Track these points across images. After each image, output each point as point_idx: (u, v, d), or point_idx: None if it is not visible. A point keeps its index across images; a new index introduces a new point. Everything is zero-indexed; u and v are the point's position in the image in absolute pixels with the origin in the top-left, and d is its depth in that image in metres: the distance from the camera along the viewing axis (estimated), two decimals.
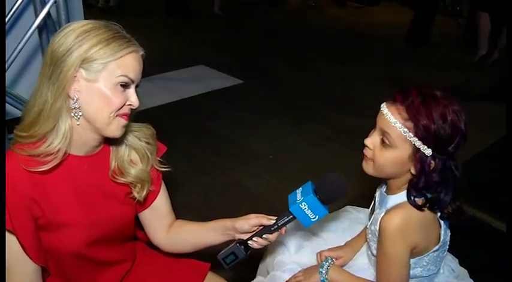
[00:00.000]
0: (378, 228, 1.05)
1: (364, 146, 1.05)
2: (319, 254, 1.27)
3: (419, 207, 1.00)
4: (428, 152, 0.96)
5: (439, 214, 1.04)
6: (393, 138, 0.98)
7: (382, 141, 1.01)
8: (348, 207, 1.47)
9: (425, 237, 1.04)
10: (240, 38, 5.62)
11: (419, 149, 0.96)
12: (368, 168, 1.06)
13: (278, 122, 3.39)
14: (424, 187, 0.99)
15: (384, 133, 1.00)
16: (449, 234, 1.09)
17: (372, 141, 1.03)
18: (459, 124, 0.95)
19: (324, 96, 3.92)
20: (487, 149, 2.86)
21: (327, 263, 1.19)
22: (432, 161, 0.98)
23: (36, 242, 0.92)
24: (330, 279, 1.17)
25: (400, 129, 0.96)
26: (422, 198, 1.01)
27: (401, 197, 1.04)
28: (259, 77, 4.30)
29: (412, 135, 0.96)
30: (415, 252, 1.04)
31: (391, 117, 0.98)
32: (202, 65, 4.52)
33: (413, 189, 1.01)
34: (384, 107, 1.00)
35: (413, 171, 1.00)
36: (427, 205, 1.01)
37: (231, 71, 4.34)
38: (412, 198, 1.01)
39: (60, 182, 0.95)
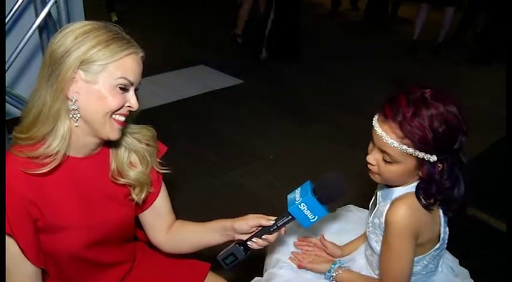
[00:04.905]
0: (383, 221, 1.05)
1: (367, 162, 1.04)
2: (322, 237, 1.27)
3: (427, 207, 1.00)
4: (433, 158, 0.95)
5: (440, 210, 1.04)
6: (394, 156, 0.97)
7: (384, 158, 1.00)
8: (351, 207, 1.46)
9: (429, 226, 1.03)
10: None
11: (423, 158, 0.95)
12: (376, 178, 1.06)
13: (278, 122, 3.39)
14: (436, 193, 0.99)
15: (383, 152, 0.99)
16: (448, 232, 1.09)
17: (374, 158, 1.02)
18: (455, 121, 0.94)
19: (324, 95, 3.91)
20: (487, 149, 2.86)
21: (335, 266, 1.18)
22: (440, 164, 0.97)
23: (35, 244, 0.92)
24: (338, 277, 1.16)
25: (399, 148, 0.95)
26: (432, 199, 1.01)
27: (406, 188, 1.04)
28: (259, 77, 4.30)
29: (413, 150, 0.94)
30: (418, 243, 1.03)
31: (387, 137, 0.96)
32: (202, 65, 4.52)
33: (424, 193, 1.00)
34: (377, 126, 0.98)
35: (422, 175, 0.99)
36: (437, 204, 1.01)
37: (231, 71, 4.34)
38: (422, 198, 1.00)
39: (61, 184, 0.95)
